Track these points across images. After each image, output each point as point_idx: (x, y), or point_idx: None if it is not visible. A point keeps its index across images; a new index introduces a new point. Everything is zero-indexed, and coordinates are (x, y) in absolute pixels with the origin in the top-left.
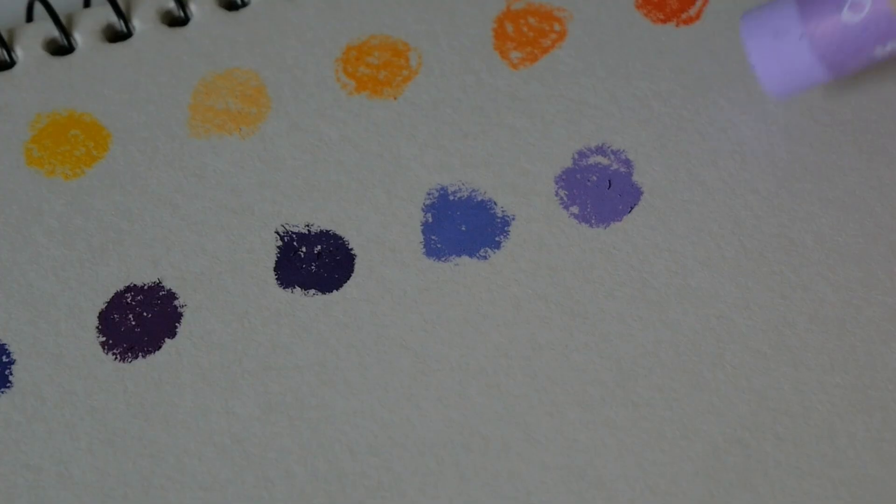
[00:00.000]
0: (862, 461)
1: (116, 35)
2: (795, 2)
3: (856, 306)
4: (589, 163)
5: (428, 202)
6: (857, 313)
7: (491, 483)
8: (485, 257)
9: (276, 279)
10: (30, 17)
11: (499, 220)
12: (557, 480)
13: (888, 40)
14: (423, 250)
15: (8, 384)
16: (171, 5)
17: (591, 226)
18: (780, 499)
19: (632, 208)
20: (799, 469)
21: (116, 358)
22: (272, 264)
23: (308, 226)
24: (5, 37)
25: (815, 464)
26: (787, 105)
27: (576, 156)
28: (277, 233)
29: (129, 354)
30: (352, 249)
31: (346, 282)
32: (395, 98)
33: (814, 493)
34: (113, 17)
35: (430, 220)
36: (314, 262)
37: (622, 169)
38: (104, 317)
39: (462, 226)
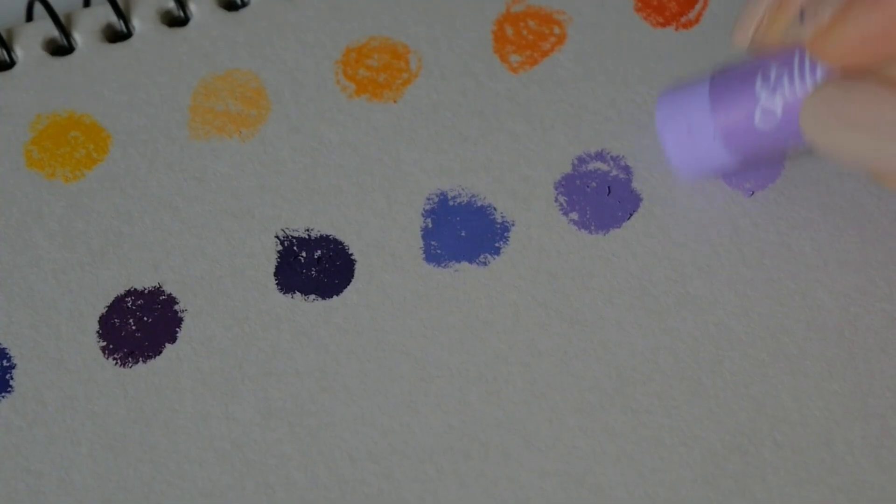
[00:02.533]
0: (860, 468)
1: (116, 35)
2: (709, 96)
3: (854, 313)
4: (588, 168)
5: (428, 207)
6: (856, 320)
7: (490, 490)
8: (484, 263)
9: (277, 284)
10: (30, 17)
11: (498, 226)
12: (556, 487)
13: (799, 140)
14: (423, 256)
15: (9, 388)
16: (171, 5)
17: (590, 232)
18: None
19: (631, 215)
20: (797, 476)
21: (117, 363)
22: (272, 269)
23: (308, 230)
24: (5, 37)
25: (812, 471)
26: None
27: (575, 161)
28: (277, 237)
29: (130, 359)
30: (352, 254)
31: (346, 287)
32: (394, 101)
33: (812, 499)
34: (113, 17)
35: (430, 225)
36: (314, 266)
37: (621, 175)
38: (105, 321)
39: (462, 231)
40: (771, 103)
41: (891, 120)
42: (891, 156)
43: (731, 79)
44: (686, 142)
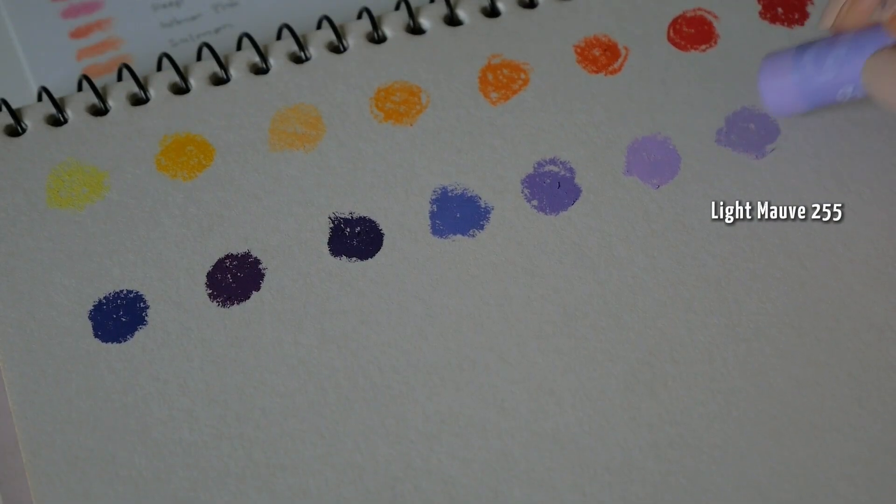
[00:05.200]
0: (732, 377)
1: (219, 80)
2: (792, 60)
3: (727, 270)
4: (545, 170)
5: (433, 197)
6: (729, 274)
7: (476, 392)
8: (473, 236)
9: (329, 250)
10: (159, 68)
11: (482, 210)
12: (522, 390)
13: (850, 96)
14: (430, 230)
15: (144, 322)
16: (257, 59)
17: (546, 214)
18: (676, 403)
19: (574, 202)
20: (688, 383)
21: (219, 304)
22: (326, 240)
23: (351, 213)
24: (142, 80)
25: (699, 379)
26: (681, 132)
27: (535, 165)
28: (330, 218)
29: (228, 302)
30: (381, 230)
31: (377, 252)
32: (410, 125)
33: (698, 399)
34: (216, 68)
35: (435, 209)
36: (355, 238)
37: (568, 174)
38: (210, 276)
39: (457, 214)
40: (833, 66)
41: None
42: None
43: (808, 49)
44: (775, 89)
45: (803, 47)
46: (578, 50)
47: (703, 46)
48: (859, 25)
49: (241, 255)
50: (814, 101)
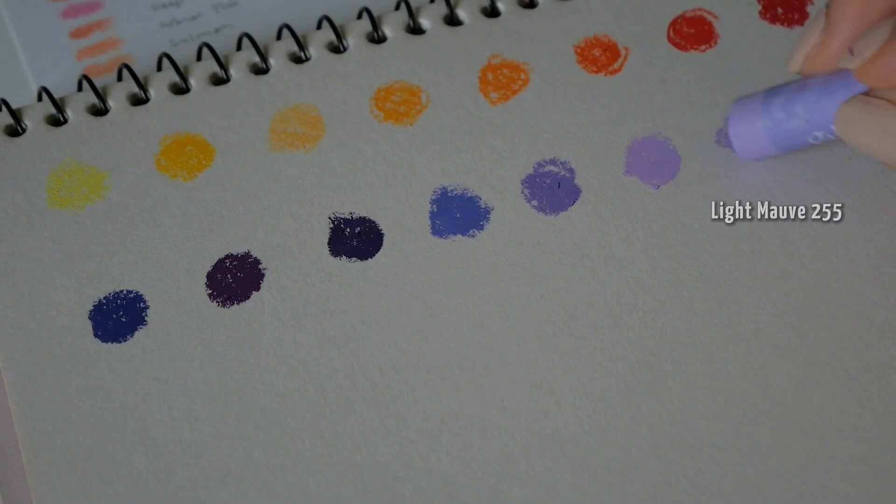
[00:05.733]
0: (732, 377)
1: (219, 80)
2: (762, 105)
3: (727, 270)
4: (545, 170)
5: (433, 197)
6: (729, 275)
7: (476, 393)
8: (473, 236)
9: (329, 250)
10: (159, 68)
11: (482, 210)
12: (522, 390)
13: (820, 139)
14: (430, 231)
15: (144, 322)
16: (257, 59)
17: (545, 214)
18: (676, 403)
19: (574, 202)
20: (688, 383)
21: (219, 305)
22: (326, 240)
23: (351, 213)
24: (142, 80)
25: (699, 379)
26: (681, 132)
27: (535, 165)
28: (330, 218)
29: (228, 302)
30: (381, 230)
31: (377, 252)
32: (410, 125)
33: (699, 399)
34: (217, 68)
35: (435, 209)
36: (355, 238)
37: (568, 175)
38: (210, 276)
39: (457, 214)
40: (803, 113)
41: (892, 127)
42: (893, 151)
43: (777, 94)
44: (745, 136)
45: (772, 92)
46: (578, 50)
47: (703, 46)
48: (827, 71)
49: (241, 256)
50: (784, 146)
